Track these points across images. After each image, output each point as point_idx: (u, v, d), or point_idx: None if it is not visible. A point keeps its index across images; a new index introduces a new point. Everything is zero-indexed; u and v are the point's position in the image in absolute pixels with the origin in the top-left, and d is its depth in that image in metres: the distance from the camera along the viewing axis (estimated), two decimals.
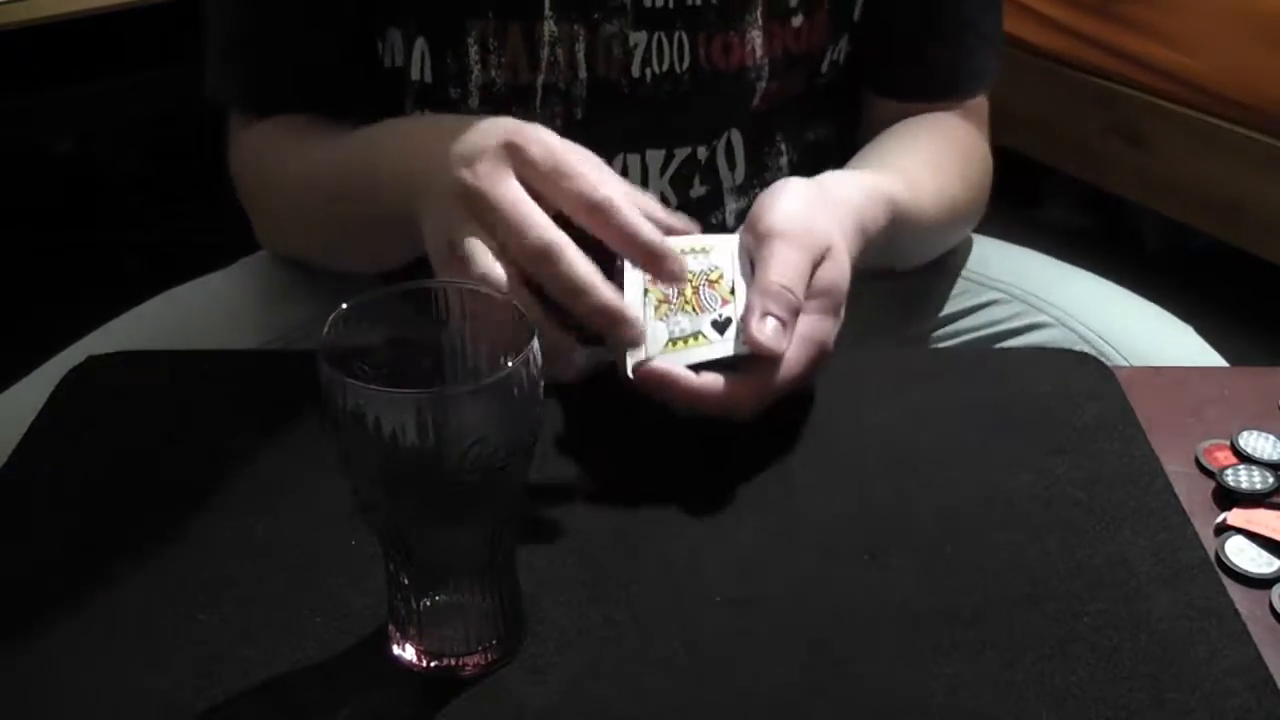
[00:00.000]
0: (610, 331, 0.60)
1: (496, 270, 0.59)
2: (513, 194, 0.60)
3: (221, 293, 0.85)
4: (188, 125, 2.06)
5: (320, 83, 0.81)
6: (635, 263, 0.62)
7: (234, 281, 0.87)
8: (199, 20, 0.83)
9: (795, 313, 0.61)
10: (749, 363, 0.61)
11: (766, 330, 0.60)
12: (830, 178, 0.70)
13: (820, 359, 0.63)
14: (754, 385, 0.61)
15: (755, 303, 0.61)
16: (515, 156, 0.61)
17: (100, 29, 1.61)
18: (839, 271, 0.64)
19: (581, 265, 0.59)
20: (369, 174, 0.71)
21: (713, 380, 0.60)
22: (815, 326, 0.62)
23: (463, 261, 0.60)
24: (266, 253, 0.92)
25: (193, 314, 0.83)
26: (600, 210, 0.61)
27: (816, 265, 0.63)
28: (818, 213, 0.65)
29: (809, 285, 0.62)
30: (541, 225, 0.60)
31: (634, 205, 0.61)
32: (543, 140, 0.62)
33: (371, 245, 0.77)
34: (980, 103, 0.89)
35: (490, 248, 0.60)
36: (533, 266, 0.59)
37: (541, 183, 0.61)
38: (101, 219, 2.15)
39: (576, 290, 0.59)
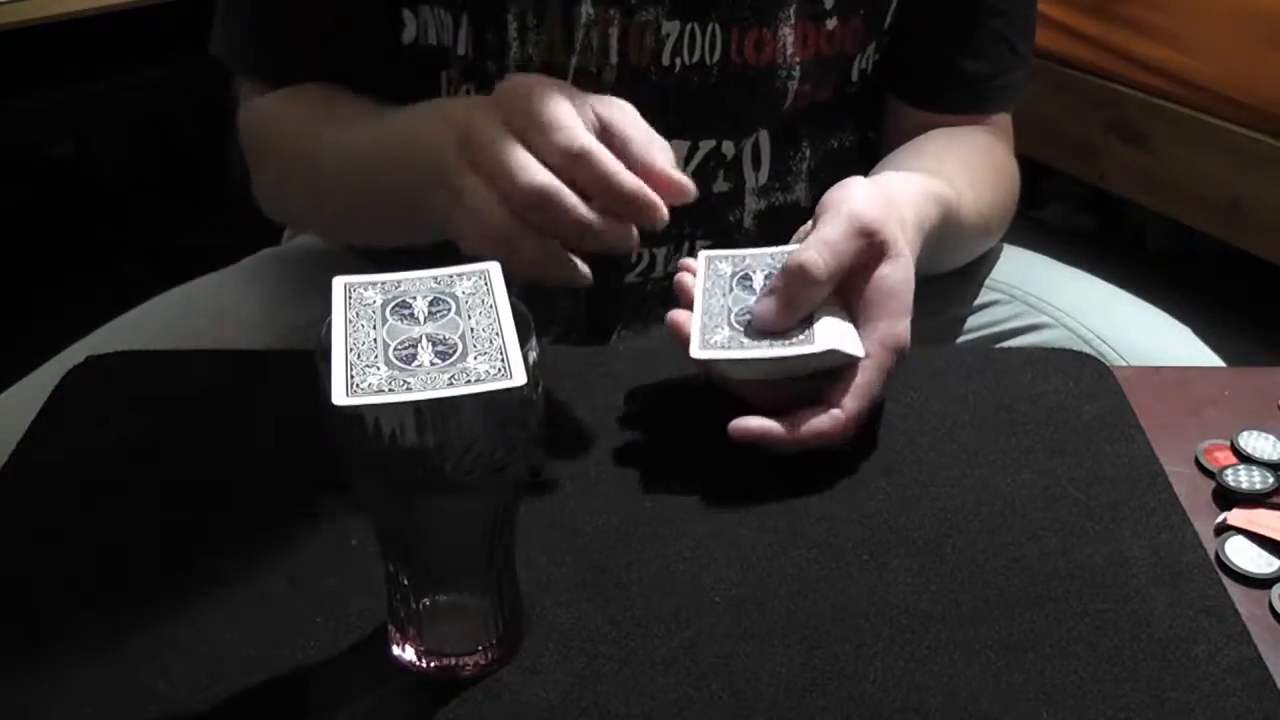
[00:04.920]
0: (632, 210, 0.59)
1: (492, 213, 0.59)
2: (503, 144, 0.60)
3: (221, 293, 0.85)
4: (188, 125, 2.07)
5: (339, 53, 0.81)
6: (613, 208, 0.61)
7: (234, 281, 0.87)
8: (198, 20, 0.83)
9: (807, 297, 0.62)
10: (833, 384, 0.61)
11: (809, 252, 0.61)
12: (892, 179, 0.70)
13: (894, 365, 0.63)
14: (852, 401, 0.61)
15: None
16: (504, 104, 0.61)
17: (100, 29, 1.61)
18: (905, 274, 0.64)
19: (581, 205, 0.59)
20: (384, 166, 0.71)
21: (815, 422, 0.60)
22: (892, 330, 0.62)
23: (464, 208, 0.60)
24: (268, 252, 0.92)
25: (193, 314, 0.83)
26: (580, 158, 0.59)
27: (875, 260, 0.63)
28: (885, 212, 0.65)
29: (874, 286, 0.63)
30: (535, 172, 0.59)
31: (612, 155, 0.60)
32: (528, 88, 0.61)
33: (410, 220, 0.74)
34: (1005, 119, 0.89)
35: (477, 189, 0.60)
36: (532, 212, 0.59)
37: (523, 130, 0.60)
38: (101, 219, 2.15)
39: (583, 226, 0.59)
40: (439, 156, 0.63)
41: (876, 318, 0.63)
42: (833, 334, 0.61)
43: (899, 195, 0.68)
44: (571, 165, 0.59)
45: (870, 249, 0.63)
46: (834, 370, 0.62)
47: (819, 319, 0.62)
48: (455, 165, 0.61)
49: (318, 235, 0.92)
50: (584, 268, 0.61)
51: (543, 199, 0.58)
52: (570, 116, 0.60)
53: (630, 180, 0.60)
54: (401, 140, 0.70)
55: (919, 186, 0.71)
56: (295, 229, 0.92)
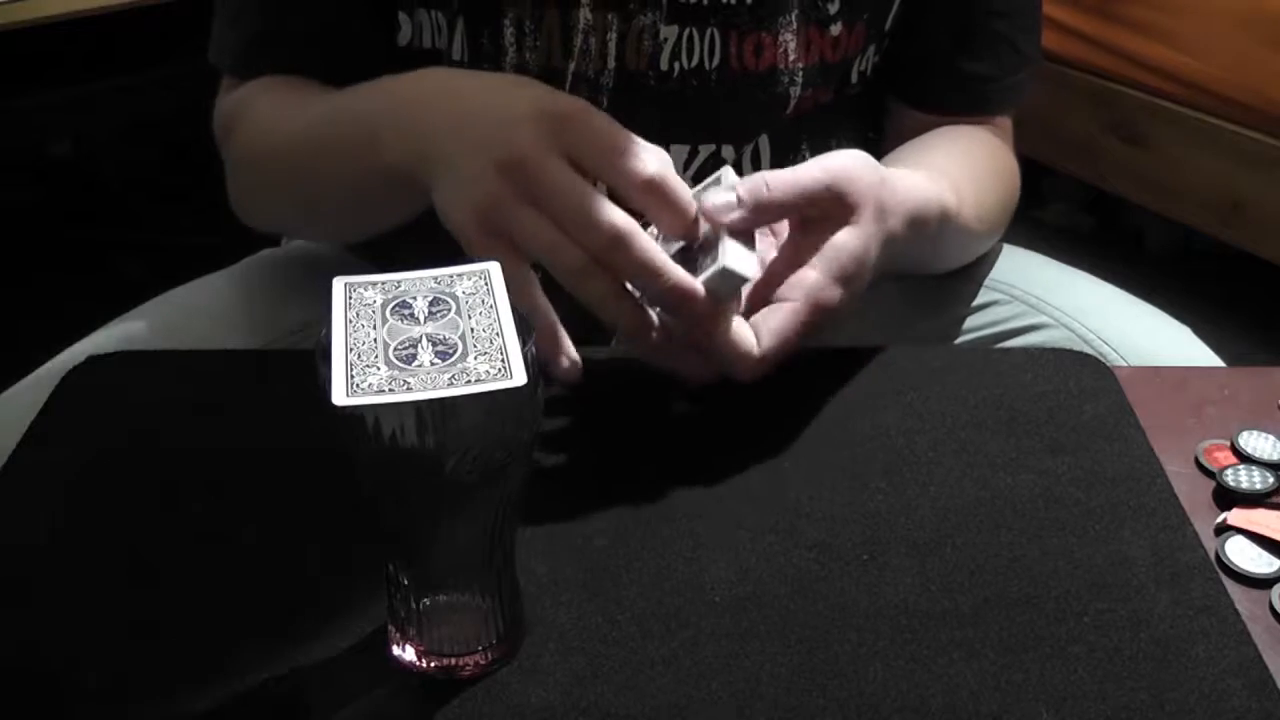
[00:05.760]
0: (679, 309, 0.60)
1: (564, 251, 0.59)
2: (570, 176, 0.59)
3: (221, 293, 0.85)
4: (188, 125, 2.07)
5: (331, 55, 0.81)
6: (674, 236, 0.62)
7: (234, 281, 0.87)
8: (197, 21, 0.83)
9: (757, 205, 0.61)
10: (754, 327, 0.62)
11: (717, 198, 0.61)
12: (892, 173, 0.69)
13: (816, 319, 0.63)
14: (767, 339, 0.61)
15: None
16: (559, 128, 0.60)
17: (100, 29, 1.61)
18: (859, 245, 0.64)
19: (653, 246, 0.59)
20: (367, 127, 0.70)
21: (726, 341, 0.61)
22: (816, 286, 0.62)
23: (505, 237, 0.60)
24: (267, 253, 0.92)
25: (193, 314, 0.82)
26: (655, 188, 0.60)
27: (837, 221, 0.63)
28: (868, 184, 0.65)
29: (825, 245, 0.63)
30: (610, 210, 0.59)
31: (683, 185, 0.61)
32: (585, 113, 0.61)
33: (358, 205, 0.75)
34: (1007, 118, 0.89)
35: (542, 225, 0.59)
36: (606, 253, 0.59)
37: (591, 158, 0.60)
38: (101, 219, 2.15)
39: (653, 272, 0.59)
40: (448, 150, 0.62)
41: (814, 271, 0.63)
42: (732, 256, 0.61)
43: (899, 185, 0.67)
44: (640, 196, 0.60)
45: (834, 203, 0.63)
46: (756, 317, 0.62)
47: (726, 249, 0.61)
48: (499, 194, 0.60)
49: (287, 227, 0.91)
50: (575, 356, 0.62)
51: (619, 239, 0.58)
52: (634, 141, 0.61)
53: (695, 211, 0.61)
54: (382, 122, 0.69)
55: (923, 185, 0.70)
56: (267, 224, 0.91)
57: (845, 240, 0.63)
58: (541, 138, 0.60)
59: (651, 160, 0.60)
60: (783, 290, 0.63)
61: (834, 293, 0.63)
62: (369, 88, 0.72)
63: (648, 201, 0.60)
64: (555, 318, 0.61)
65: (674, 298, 0.60)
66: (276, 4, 0.81)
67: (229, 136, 0.83)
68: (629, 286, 0.61)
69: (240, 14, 0.83)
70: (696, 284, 0.60)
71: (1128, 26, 1.98)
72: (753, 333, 0.62)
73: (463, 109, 0.64)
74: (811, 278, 0.63)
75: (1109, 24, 2.00)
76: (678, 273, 0.59)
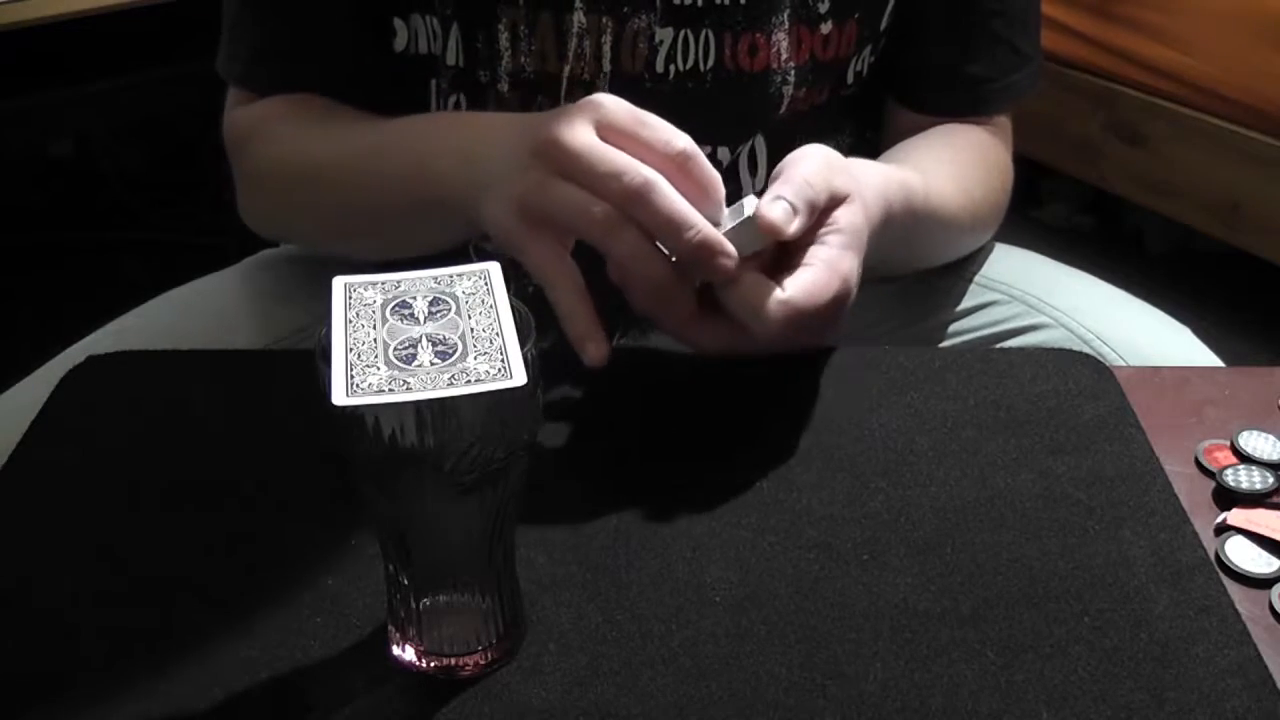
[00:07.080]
0: (707, 262, 0.60)
1: (591, 208, 0.59)
2: (596, 141, 0.61)
3: (221, 293, 0.85)
4: (188, 125, 2.07)
5: (330, 63, 0.81)
6: (701, 213, 0.62)
7: (234, 281, 0.87)
8: (198, 20, 0.84)
9: (811, 207, 0.62)
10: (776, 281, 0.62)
11: (775, 210, 0.61)
12: (848, 160, 0.70)
13: (843, 292, 0.63)
14: (777, 297, 0.62)
15: (771, 189, 0.62)
16: (588, 110, 0.62)
17: (100, 29, 1.61)
18: (858, 217, 0.64)
19: (681, 199, 0.60)
20: (415, 158, 0.71)
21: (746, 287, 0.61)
22: (839, 257, 0.63)
23: (547, 222, 0.61)
24: (267, 253, 0.92)
25: (193, 314, 0.83)
26: (685, 161, 0.61)
27: (835, 205, 0.64)
28: (839, 169, 0.66)
29: (829, 221, 0.63)
30: (636, 164, 0.60)
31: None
32: (614, 99, 0.62)
33: (396, 234, 0.76)
34: (1006, 117, 0.89)
35: (572, 190, 0.60)
36: (634, 204, 0.59)
37: (619, 136, 0.61)
38: (101, 219, 2.15)
39: (681, 224, 0.59)
40: (495, 167, 0.64)
41: (826, 244, 0.63)
42: (753, 209, 0.62)
43: (856, 169, 0.68)
44: (670, 169, 0.61)
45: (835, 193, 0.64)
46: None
47: (745, 204, 0.62)
48: (533, 178, 0.61)
49: (306, 242, 0.92)
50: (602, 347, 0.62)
51: (647, 186, 0.59)
52: (662, 121, 0.62)
53: (720, 186, 0.62)
54: (436, 150, 0.71)
55: (884, 171, 0.71)
56: (283, 238, 0.92)
57: (848, 215, 0.64)
58: (571, 118, 0.61)
59: (681, 137, 0.62)
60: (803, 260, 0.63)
61: (850, 262, 0.63)
62: (417, 121, 0.74)
63: (677, 175, 0.61)
64: (591, 303, 0.62)
65: (701, 250, 0.60)
66: (272, 15, 0.81)
67: (242, 150, 0.83)
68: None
69: (238, 26, 0.83)
70: (723, 237, 0.60)
71: (1128, 26, 1.98)
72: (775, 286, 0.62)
73: (509, 129, 0.66)
74: (826, 247, 0.63)
75: (1109, 24, 2.01)
76: (705, 224, 0.60)
